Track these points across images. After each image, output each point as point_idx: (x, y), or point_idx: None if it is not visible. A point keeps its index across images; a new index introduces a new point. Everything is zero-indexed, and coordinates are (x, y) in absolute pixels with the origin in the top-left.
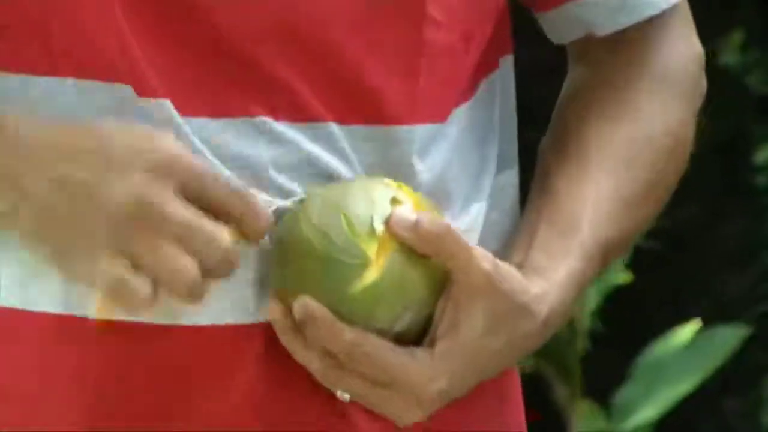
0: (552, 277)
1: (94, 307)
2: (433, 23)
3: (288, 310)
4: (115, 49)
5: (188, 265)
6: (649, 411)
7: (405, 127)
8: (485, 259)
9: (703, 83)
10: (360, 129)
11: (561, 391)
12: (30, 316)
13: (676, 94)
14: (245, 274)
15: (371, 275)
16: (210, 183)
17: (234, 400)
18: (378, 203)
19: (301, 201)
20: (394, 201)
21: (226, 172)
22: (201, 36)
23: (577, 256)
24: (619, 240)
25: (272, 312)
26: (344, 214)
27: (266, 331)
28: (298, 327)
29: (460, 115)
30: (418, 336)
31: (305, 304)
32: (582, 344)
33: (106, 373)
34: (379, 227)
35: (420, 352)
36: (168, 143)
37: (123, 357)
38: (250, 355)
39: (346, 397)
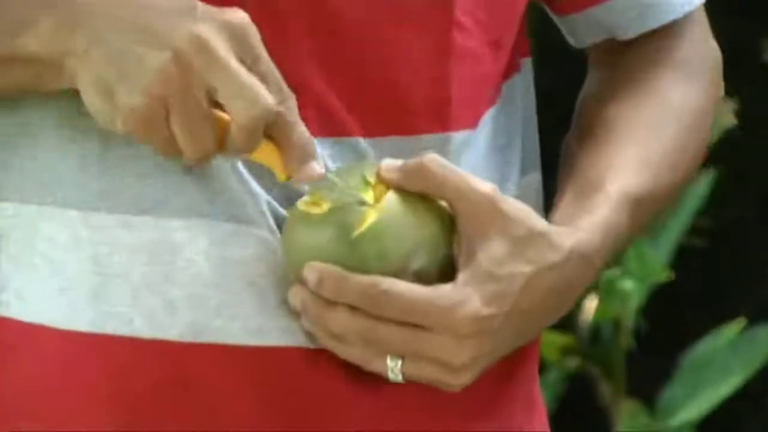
0: (574, 223)
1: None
2: (462, 30)
3: (306, 288)
4: None
5: (207, 134)
6: (693, 410)
7: (436, 136)
8: (483, 184)
9: (721, 83)
10: (388, 141)
11: (605, 390)
12: (56, 334)
13: (696, 84)
14: (269, 295)
15: (370, 217)
16: (267, 74)
17: (257, 420)
18: (368, 167)
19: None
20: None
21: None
22: None
23: (602, 205)
24: (644, 198)
25: (293, 296)
26: (336, 179)
27: (290, 353)
28: (320, 298)
29: (487, 120)
30: (444, 280)
31: (313, 267)
32: (626, 343)
33: (134, 392)
34: (371, 179)
35: (443, 285)
36: (243, 14)
37: (149, 375)
38: (273, 377)
39: (398, 375)
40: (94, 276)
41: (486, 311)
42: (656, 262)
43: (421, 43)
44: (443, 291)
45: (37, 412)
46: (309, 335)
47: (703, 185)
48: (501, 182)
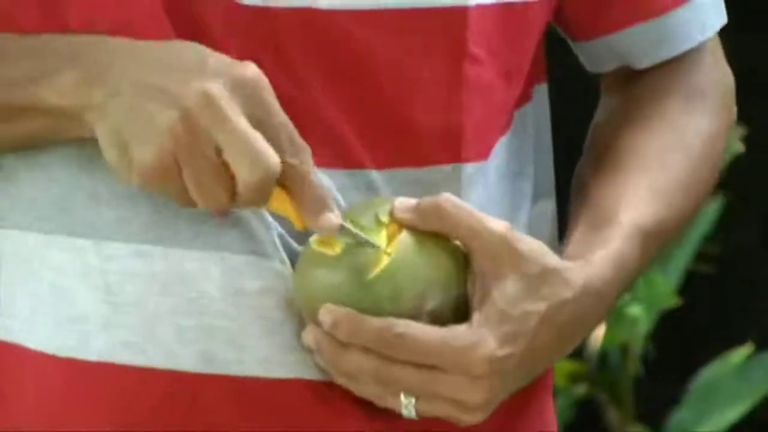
0: (587, 257)
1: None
2: (474, 60)
3: (320, 329)
4: None
5: (218, 189)
6: None
7: (449, 167)
8: (497, 223)
9: (734, 108)
10: (401, 173)
11: (613, 416)
12: (64, 363)
13: (708, 110)
14: (280, 327)
15: (385, 259)
16: (279, 127)
17: None
18: (381, 206)
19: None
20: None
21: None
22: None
23: (615, 238)
24: (657, 230)
25: (307, 335)
26: (349, 219)
27: (300, 386)
28: (335, 339)
29: (499, 148)
30: (457, 320)
31: (328, 310)
32: (634, 369)
33: (143, 422)
34: (384, 219)
35: (457, 326)
36: (255, 68)
37: (159, 405)
38: (285, 410)
39: (412, 411)
40: (105, 305)
41: (501, 352)
42: (664, 288)
43: (433, 74)
44: (458, 332)
45: None
46: (319, 368)
47: (711, 211)
48: (512, 210)
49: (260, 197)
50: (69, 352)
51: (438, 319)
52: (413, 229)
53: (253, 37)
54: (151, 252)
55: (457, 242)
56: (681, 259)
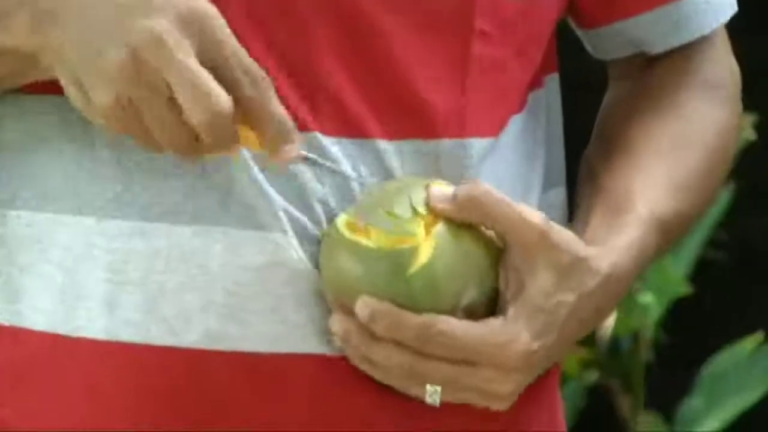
0: (608, 243)
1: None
2: (482, 37)
3: (351, 318)
4: None
5: (178, 131)
6: (713, 423)
7: (455, 141)
8: (534, 214)
9: (740, 99)
10: (409, 143)
11: (624, 403)
12: (71, 343)
13: (721, 99)
14: (284, 302)
15: (425, 253)
16: (233, 61)
17: (273, 427)
18: (414, 192)
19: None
20: (428, 186)
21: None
22: (259, 44)
23: (634, 226)
24: (673, 219)
25: (336, 323)
26: (385, 211)
27: (306, 360)
28: (366, 330)
29: (512, 127)
30: (488, 312)
31: (366, 302)
32: (645, 356)
33: (148, 399)
34: (421, 209)
35: (493, 320)
36: (203, 1)
37: (164, 382)
38: (293, 386)
39: (436, 400)
40: (108, 284)
41: (535, 345)
42: (676, 275)
43: (440, 49)
44: (494, 327)
45: (49, 419)
46: (325, 343)
47: (722, 199)
48: (525, 191)
49: (221, 139)
50: (75, 332)
51: (472, 313)
52: (448, 221)
53: (266, 1)
54: (152, 230)
55: (490, 233)
56: (692, 247)
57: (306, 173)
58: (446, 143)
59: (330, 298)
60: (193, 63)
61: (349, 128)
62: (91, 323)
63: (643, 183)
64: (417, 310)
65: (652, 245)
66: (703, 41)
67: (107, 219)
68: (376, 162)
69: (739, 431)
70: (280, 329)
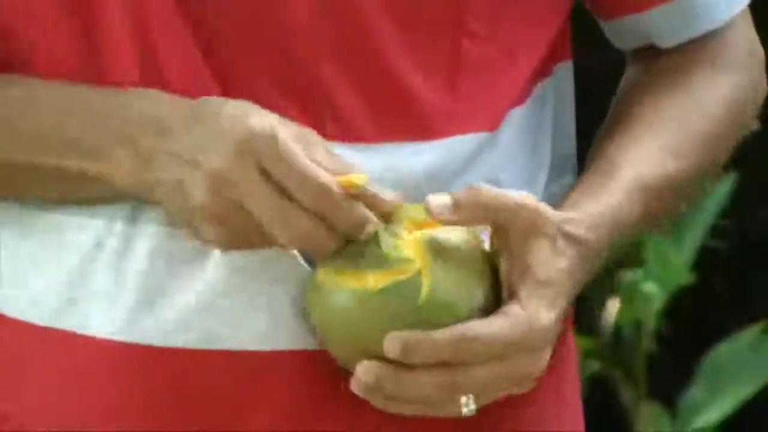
0: (583, 208)
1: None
2: (472, 36)
3: (377, 362)
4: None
5: (297, 216)
6: (715, 412)
7: (451, 139)
8: (526, 196)
9: (764, 84)
10: (403, 144)
11: (626, 393)
12: (70, 339)
13: (732, 77)
14: (279, 301)
15: (426, 275)
16: (295, 174)
17: (268, 423)
18: (380, 228)
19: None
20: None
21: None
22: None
23: (613, 192)
24: (661, 186)
25: (367, 373)
26: (366, 251)
27: (299, 358)
28: (396, 367)
29: (514, 118)
30: (497, 304)
31: (394, 339)
32: (648, 346)
33: (144, 398)
34: (403, 233)
35: (509, 308)
36: (253, 121)
37: (159, 382)
38: (283, 382)
39: (473, 408)
40: (108, 283)
41: (553, 317)
42: (678, 264)
43: (432, 48)
44: (516, 314)
45: (48, 414)
46: (311, 338)
47: (725, 187)
48: (529, 182)
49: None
50: (75, 329)
51: (485, 311)
52: (426, 233)
53: (261, 4)
54: (153, 231)
55: (461, 231)
56: (695, 235)
57: None
58: (440, 141)
59: (344, 357)
60: (269, 191)
61: (342, 132)
62: (88, 322)
63: (633, 149)
64: (441, 328)
65: (634, 211)
66: (717, 31)
67: (108, 219)
68: (370, 162)
69: (741, 420)
70: (268, 328)
